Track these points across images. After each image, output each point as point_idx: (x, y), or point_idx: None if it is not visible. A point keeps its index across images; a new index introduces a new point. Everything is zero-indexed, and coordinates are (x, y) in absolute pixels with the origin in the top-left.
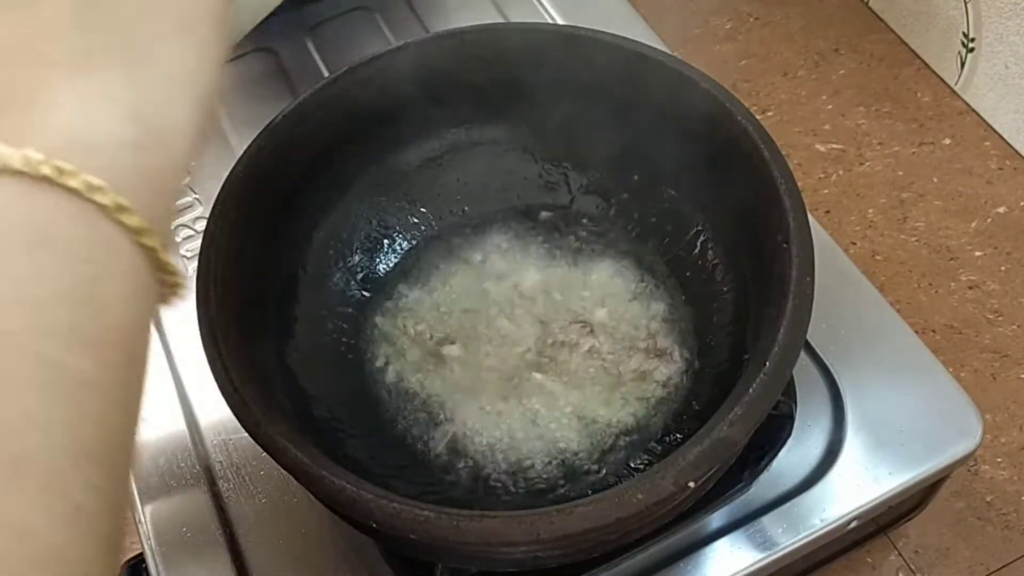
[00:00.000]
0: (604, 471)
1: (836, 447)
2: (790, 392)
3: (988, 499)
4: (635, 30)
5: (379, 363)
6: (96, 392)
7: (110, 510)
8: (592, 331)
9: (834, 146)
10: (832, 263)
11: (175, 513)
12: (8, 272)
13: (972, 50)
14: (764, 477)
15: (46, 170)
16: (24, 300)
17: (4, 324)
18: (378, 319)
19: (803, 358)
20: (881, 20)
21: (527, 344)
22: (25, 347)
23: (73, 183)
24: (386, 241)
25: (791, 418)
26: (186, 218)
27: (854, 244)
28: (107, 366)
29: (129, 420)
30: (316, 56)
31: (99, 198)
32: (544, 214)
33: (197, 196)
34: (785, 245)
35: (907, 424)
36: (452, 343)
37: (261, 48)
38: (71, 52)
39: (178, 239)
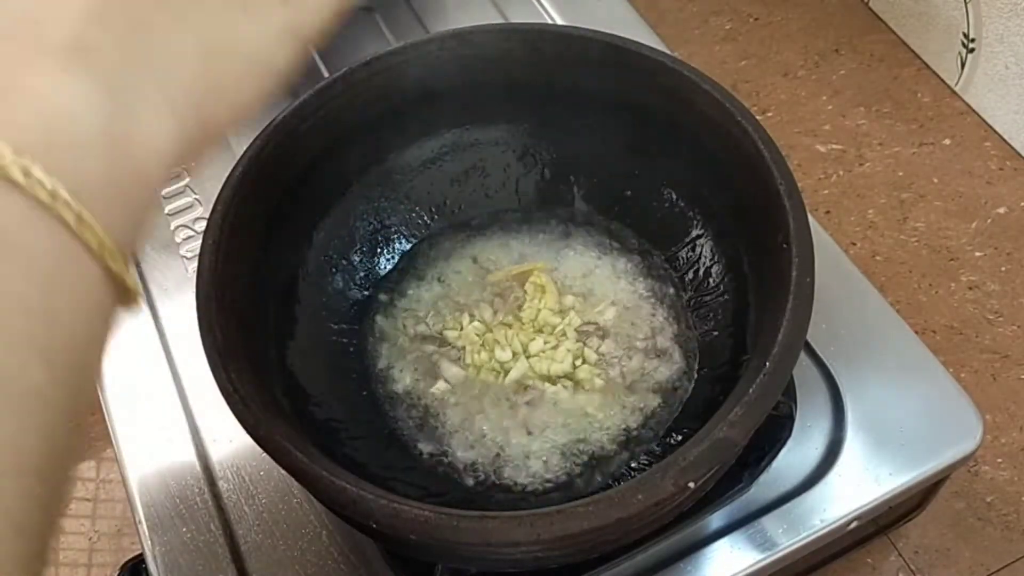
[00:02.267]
0: (604, 472)
1: (836, 447)
2: (790, 392)
3: (988, 500)
4: (635, 30)
5: (379, 363)
6: (44, 403)
7: (45, 524)
8: (593, 332)
9: (834, 146)
10: (832, 263)
11: (175, 513)
12: None
13: (972, 50)
14: (764, 477)
15: (15, 172)
16: None
17: None
18: (378, 319)
19: (803, 358)
20: (881, 20)
21: (528, 344)
22: None
23: (39, 191)
24: (386, 241)
25: (791, 418)
26: (186, 218)
27: (854, 244)
28: (57, 378)
29: (73, 434)
30: (316, 56)
31: (63, 211)
32: (545, 214)
33: (197, 196)
34: (785, 245)
35: (907, 424)
36: (452, 343)
37: None
38: (72, 39)
39: (178, 239)
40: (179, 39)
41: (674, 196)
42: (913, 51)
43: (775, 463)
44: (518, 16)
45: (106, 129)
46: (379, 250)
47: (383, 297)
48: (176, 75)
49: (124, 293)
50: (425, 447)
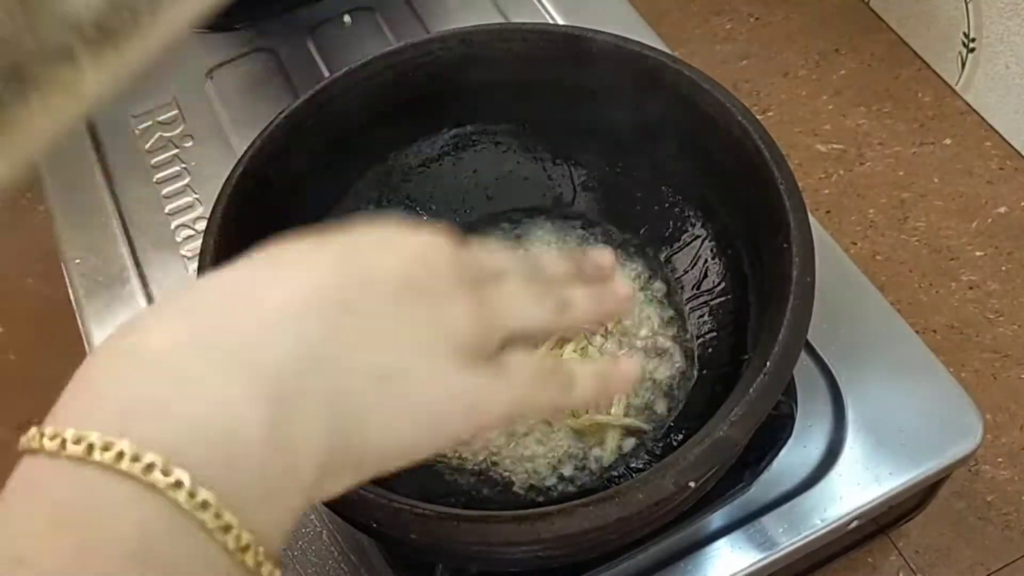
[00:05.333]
0: (604, 472)
1: (836, 447)
2: (790, 392)
3: (989, 499)
4: (635, 30)
5: None
6: None
7: None
8: (596, 331)
9: (834, 146)
10: (832, 263)
11: None
12: None
13: (973, 50)
14: (764, 477)
15: (163, 483)
16: None
17: None
18: None
19: (803, 358)
20: (882, 20)
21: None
22: None
23: (187, 500)
24: None
25: (791, 418)
26: (186, 218)
27: (854, 244)
28: None
29: None
30: (316, 56)
31: (209, 520)
32: (544, 213)
33: (197, 196)
34: (785, 245)
35: (907, 424)
36: None
37: (261, 48)
38: (273, 370)
39: (178, 239)
40: (369, 364)
41: (674, 196)
42: (914, 51)
43: (775, 463)
44: (518, 16)
45: (268, 436)
46: None
47: None
48: (347, 395)
49: None
50: None
